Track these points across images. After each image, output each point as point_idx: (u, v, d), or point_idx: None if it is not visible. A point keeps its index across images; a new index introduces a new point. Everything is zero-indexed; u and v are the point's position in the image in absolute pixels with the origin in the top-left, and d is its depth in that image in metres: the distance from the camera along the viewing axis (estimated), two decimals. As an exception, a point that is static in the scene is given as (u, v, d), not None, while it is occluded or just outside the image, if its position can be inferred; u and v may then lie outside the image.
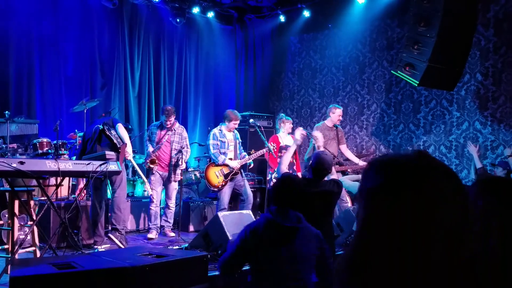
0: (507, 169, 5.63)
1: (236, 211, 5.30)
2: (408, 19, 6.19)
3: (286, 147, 6.23)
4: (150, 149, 6.09)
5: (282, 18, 8.88)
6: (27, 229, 4.50)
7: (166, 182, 6.14)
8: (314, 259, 2.72)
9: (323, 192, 3.61)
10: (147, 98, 8.35)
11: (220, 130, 6.16)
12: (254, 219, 4.59)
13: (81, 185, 6.05)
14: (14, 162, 3.65)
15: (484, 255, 1.10)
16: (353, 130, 8.30)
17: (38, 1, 7.08)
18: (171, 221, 6.26)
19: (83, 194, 5.69)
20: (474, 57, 6.88)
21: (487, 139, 6.84)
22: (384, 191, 0.82)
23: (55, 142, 5.84)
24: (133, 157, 5.97)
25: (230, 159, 6.08)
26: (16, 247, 3.97)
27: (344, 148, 6.66)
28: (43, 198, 5.24)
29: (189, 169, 7.37)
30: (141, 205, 6.57)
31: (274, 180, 5.50)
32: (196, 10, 8.59)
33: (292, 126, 6.66)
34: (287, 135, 6.57)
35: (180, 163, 6.00)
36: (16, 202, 4.07)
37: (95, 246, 5.10)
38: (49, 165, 3.87)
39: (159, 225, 6.12)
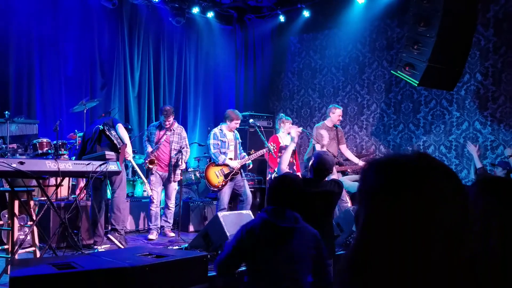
0: (507, 169, 5.63)
1: (236, 211, 5.30)
2: (408, 19, 6.19)
3: (286, 147, 6.22)
4: (149, 149, 6.09)
5: (282, 18, 8.88)
6: (27, 229, 4.50)
7: (165, 183, 6.14)
8: (311, 260, 2.70)
9: (324, 192, 3.61)
10: (147, 98, 8.35)
11: (220, 129, 6.16)
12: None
13: (81, 185, 6.05)
14: (14, 162, 3.65)
15: (484, 255, 1.10)
16: (353, 130, 8.30)
17: (38, 1, 7.08)
18: (171, 221, 6.26)
19: (83, 194, 5.69)
20: (474, 57, 6.88)
21: (487, 139, 6.84)
22: (384, 191, 0.82)
23: (55, 142, 5.84)
24: (133, 157, 5.96)
25: (230, 159, 6.08)
26: (16, 247, 3.97)
27: (344, 148, 6.66)
28: (43, 198, 5.24)
29: (189, 169, 7.36)
30: (141, 205, 6.56)
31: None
32: (196, 10, 8.59)
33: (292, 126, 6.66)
34: (287, 135, 6.57)
35: (180, 163, 6.00)
36: (16, 202, 4.07)
37: (95, 246, 5.10)
38: (49, 165, 3.87)
39: (159, 226, 6.13)
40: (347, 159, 6.67)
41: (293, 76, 9.27)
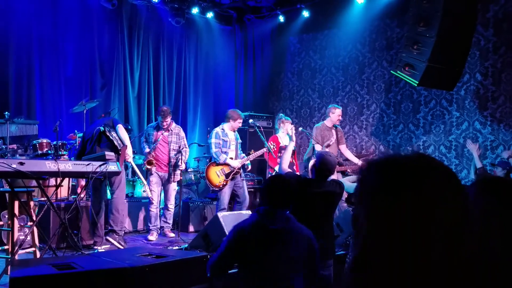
0: (507, 169, 5.63)
1: (235, 212, 5.30)
2: (408, 19, 6.20)
3: (285, 147, 6.22)
4: (147, 150, 6.09)
5: (281, 18, 8.88)
6: (27, 230, 4.50)
7: (165, 183, 6.13)
8: (302, 260, 2.67)
9: (326, 192, 3.60)
10: (146, 98, 8.35)
11: (222, 129, 6.15)
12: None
13: (82, 183, 6.05)
14: (14, 162, 3.65)
15: (484, 255, 1.10)
16: (352, 130, 8.30)
17: (38, 1, 7.08)
18: (171, 221, 6.26)
19: (82, 195, 5.69)
20: (473, 57, 6.89)
21: (487, 139, 6.84)
22: (384, 191, 0.82)
23: (54, 142, 5.84)
24: (133, 158, 5.96)
25: (231, 158, 6.08)
26: (16, 248, 3.97)
27: (343, 148, 6.66)
28: (43, 198, 5.23)
29: (189, 170, 7.36)
30: (140, 206, 6.56)
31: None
32: (195, 10, 8.59)
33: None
34: (287, 135, 6.57)
35: (179, 163, 6.00)
36: (16, 203, 4.07)
37: (95, 247, 5.10)
38: (49, 165, 3.87)
39: (159, 226, 6.12)
40: (346, 159, 6.67)
41: (292, 76, 9.27)
